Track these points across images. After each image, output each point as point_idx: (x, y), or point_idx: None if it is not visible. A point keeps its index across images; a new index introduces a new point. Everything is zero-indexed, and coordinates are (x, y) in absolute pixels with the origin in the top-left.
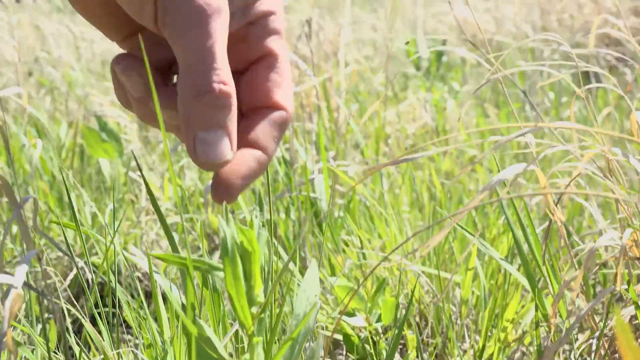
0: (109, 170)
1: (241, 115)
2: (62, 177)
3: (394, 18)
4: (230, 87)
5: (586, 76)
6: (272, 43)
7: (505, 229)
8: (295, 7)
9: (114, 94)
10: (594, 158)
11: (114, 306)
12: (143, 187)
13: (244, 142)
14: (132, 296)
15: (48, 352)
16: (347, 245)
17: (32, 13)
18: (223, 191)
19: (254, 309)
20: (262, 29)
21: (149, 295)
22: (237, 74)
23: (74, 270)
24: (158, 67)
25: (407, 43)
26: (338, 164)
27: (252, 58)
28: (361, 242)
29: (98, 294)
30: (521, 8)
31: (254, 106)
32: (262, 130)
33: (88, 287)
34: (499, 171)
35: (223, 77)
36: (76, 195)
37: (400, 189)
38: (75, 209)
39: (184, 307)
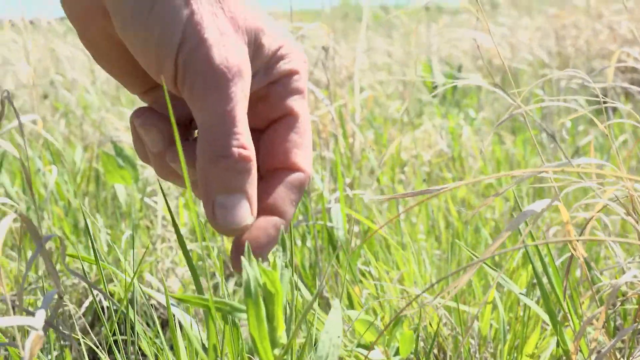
0: (124, 196)
1: (260, 176)
2: (79, 204)
3: (409, 44)
4: (250, 152)
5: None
6: (294, 103)
7: (524, 261)
8: (309, 33)
9: (129, 119)
10: (615, 191)
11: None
12: (159, 213)
13: (262, 207)
14: (148, 325)
15: None
16: (363, 275)
17: (46, 35)
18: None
19: (277, 351)
20: (284, 88)
21: (164, 323)
22: (256, 132)
23: (90, 298)
24: (179, 121)
25: (435, 88)
26: (354, 192)
27: (272, 117)
28: (379, 273)
29: (115, 323)
30: (536, 34)
31: (273, 167)
32: (280, 195)
33: (103, 314)
34: (516, 203)
35: (243, 141)
36: (92, 222)
37: (417, 217)
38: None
39: (204, 346)
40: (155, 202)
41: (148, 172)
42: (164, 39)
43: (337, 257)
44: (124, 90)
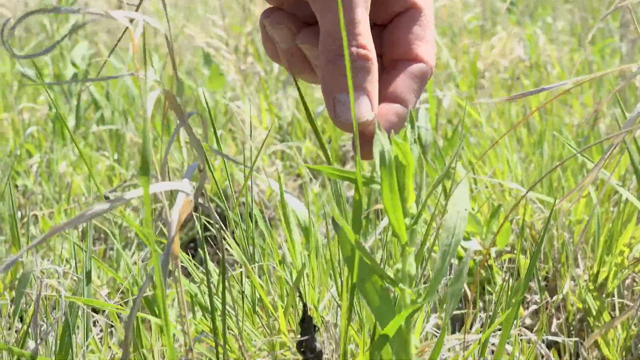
0: (208, 101)
1: (383, 68)
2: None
3: None
4: (369, 52)
5: None
6: None
7: (617, 153)
8: None
9: (259, 20)
10: None
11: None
12: (246, 116)
13: (383, 95)
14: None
15: (205, 259)
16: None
17: None
18: (367, 148)
19: (407, 221)
20: None
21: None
22: (380, 27)
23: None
24: (307, 21)
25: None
26: (442, 94)
27: (396, 11)
28: (473, 167)
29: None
30: None
31: (396, 59)
32: (402, 83)
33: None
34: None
35: (362, 41)
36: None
37: (499, 123)
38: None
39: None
40: (238, 107)
41: (230, 77)
42: None
43: (425, 156)
44: (196, 2)
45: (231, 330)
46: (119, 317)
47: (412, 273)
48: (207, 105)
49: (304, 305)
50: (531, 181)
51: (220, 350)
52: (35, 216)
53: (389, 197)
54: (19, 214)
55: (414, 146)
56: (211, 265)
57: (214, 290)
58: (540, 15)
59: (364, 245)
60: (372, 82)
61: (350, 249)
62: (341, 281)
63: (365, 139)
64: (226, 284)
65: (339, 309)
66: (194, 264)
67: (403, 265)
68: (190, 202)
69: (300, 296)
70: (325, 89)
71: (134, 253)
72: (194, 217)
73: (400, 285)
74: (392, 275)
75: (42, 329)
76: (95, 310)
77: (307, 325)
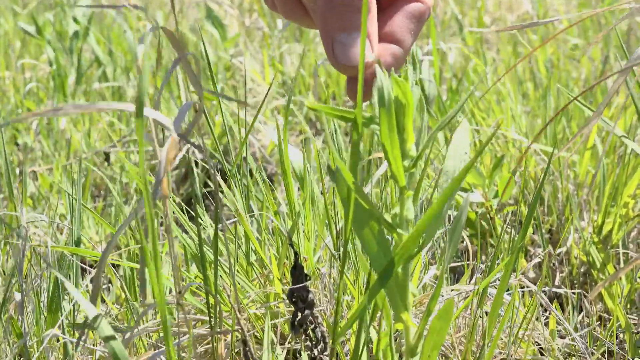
0: (211, 57)
1: (379, 9)
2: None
3: None
4: None
5: None
6: None
7: (625, 106)
8: None
9: None
10: None
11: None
12: (246, 72)
13: (379, 35)
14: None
15: (197, 212)
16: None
17: None
18: (366, 90)
19: (406, 162)
20: None
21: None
22: None
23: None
24: None
25: None
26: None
27: None
28: (475, 118)
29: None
30: None
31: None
32: (398, 23)
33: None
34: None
35: None
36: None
37: (505, 77)
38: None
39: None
40: (241, 62)
41: (234, 33)
42: None
43: (429, 109)
44: None
45: (225, 281)
46: (116, 273)
47: (410, 217)
48: (208, 59)
49: (295, 254)
50: (536, 131)
51: (212, 300)
52: (34, 172)
53: (387, 138)
54: (18, 170)
55: (415, 87)
56: (207, 220)
57: (205, 239)
58: None
59: (361, 188)
60: (372, 22)
61: (347, 193)
62: (337, 231)
63: (364, 81)
64: (220, 234)
65: (334, 260)
66: (187, 211)
67: (401, 209)
68: (177, 144)
69: (292, 244)
70: (323, 30)
71: (132, 208)
72: (194, 173)
73: (399, 230)
74: (389, 220)
75: (35, 284)
76: (92, 266)
77: (298, 273)
